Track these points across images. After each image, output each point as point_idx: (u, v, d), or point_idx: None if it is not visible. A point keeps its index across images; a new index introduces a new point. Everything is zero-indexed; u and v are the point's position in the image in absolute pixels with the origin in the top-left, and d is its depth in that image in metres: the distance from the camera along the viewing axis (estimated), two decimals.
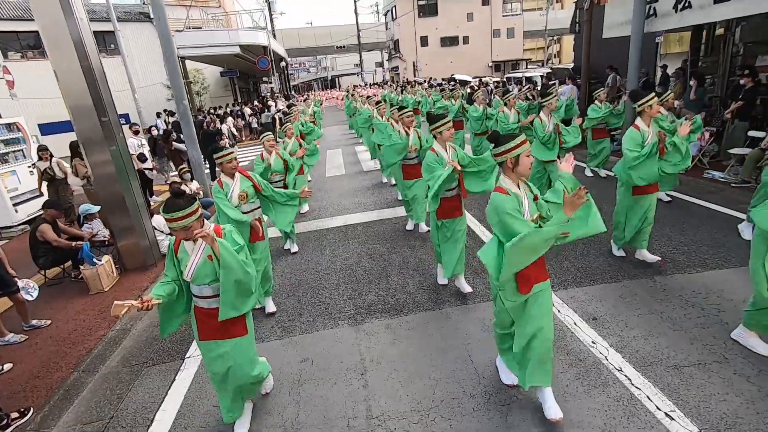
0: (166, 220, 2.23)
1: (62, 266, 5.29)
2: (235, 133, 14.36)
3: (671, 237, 4.62)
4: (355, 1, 38.75)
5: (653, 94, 3.84)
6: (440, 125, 3.58)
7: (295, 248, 5.34)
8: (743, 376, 2.64)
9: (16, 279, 4.00)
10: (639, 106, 3.83)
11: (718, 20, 7.12)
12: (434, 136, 3.68)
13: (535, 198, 2.39)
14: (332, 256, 5.11)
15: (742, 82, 7.04)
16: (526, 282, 2.32)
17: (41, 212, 5.05)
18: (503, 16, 39.36)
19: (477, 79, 23.03)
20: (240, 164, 3.87)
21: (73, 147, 6.32)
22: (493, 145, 2.39)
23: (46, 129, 18.77)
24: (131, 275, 5.25)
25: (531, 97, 9.45)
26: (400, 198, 6.52)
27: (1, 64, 11.41)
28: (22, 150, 8.07)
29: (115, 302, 2.14)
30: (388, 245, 5.24)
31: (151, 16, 22.69)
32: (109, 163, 4.92)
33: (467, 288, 3.86)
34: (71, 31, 4.68)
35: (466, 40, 39.17)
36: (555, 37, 44.42)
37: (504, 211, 2.21)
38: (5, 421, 2.85)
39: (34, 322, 4.13)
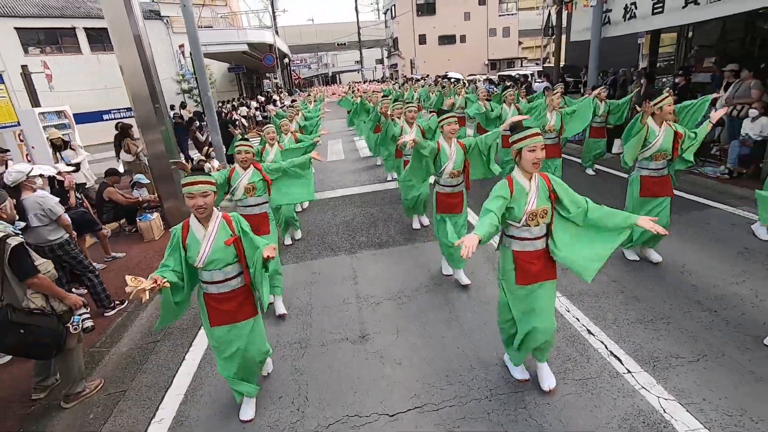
0: (185, 185, 2.27)
1: (119, 222, 6.67)
2: (245, 123, 15.69)
3: (592, 197, 6.00)
4: (356, 0, 40.09)
5: (665, 95, 3.72)
6: (442, 119, 3.72)
7: (298, 235, 5.65)
8: (632, 297, 4.02)
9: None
10: (653, 106, 3.76)
11: (655, 28, 8.43)
12: (441, 130, 3.77)
13: (551, 197, 2.39)
14: (333, 215, 6.49)
15: (677, 80, 8.42)
16: (525, 274, 2.44)
17: (105, 179, 6.42)
18: (499, 15, 40.66)
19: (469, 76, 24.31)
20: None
21: (124, 129, 7.68)
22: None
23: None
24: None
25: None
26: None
27: (40, 59, 12.70)
28: (68, 134, 9.40)
29: (132, 284, 2.01)
30: (378, 207, 6.62)
31: (161, 14, 23.97)
32: (160, 141, 6.28)
33: (466, 280, 3.99)
34: (132, 29, 5.95)
35: (463, 38, 40.49)
36: (553, 36, 45.69)
37: (492, 192, 2.40)
38: (112, 304, 4.23)
39: (113, 254, 5.51)
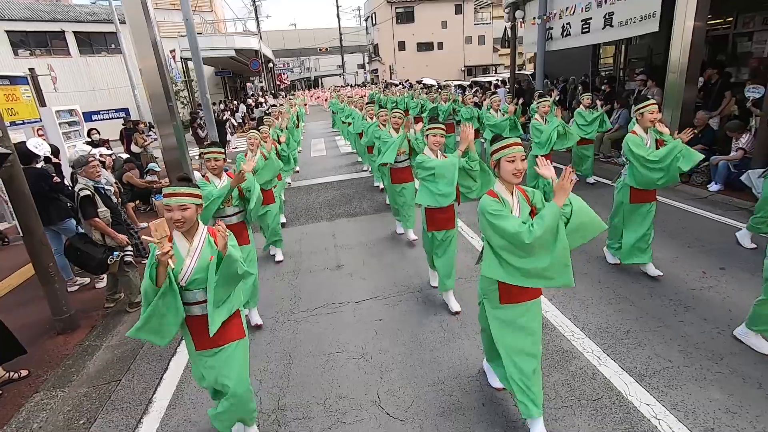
0: (165, 196, 2.11)
1: (134, 203, 7.91)
2: (234, 123, 16.92)
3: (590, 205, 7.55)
4: (337, 7, 41.60)
5: (650, 101, 3.70)
6: (427, 130, 3.57)
7: (279, 256, 5.20)
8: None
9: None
10: (636, 111, 3.83)
11: (583, 45, 10.08)
12: (426, 140, 3.64)
13: (532, 211, 2.26)
14: (317, 196, 7.89)
15: (603, 87, 10.13)
16: (508, 293, 2.25)
17: (124, 165, 7.67)
18: (475, 24, 42.70)
19: (443, 82, 25.98)
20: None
21: (134, 124, 8.92)
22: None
23: None
24: None
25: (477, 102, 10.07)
26: (387, 202, 6.49)
27: (43, 61, 13.70)
28: (78, 130, 10.54)
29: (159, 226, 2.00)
30: (354, 189, 8.05)
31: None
32: (172, 135, 7.55)
33: (456, 307, 3.69)
34: (150, 35, 7.20)
35: (440, 45, 42.35)
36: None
37: (485, 211, 2.14)
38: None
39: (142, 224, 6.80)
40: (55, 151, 5.79)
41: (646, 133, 3.80)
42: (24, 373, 3.38)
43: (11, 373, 3.33)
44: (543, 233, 1.98)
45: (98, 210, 4.16)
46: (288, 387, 2.97)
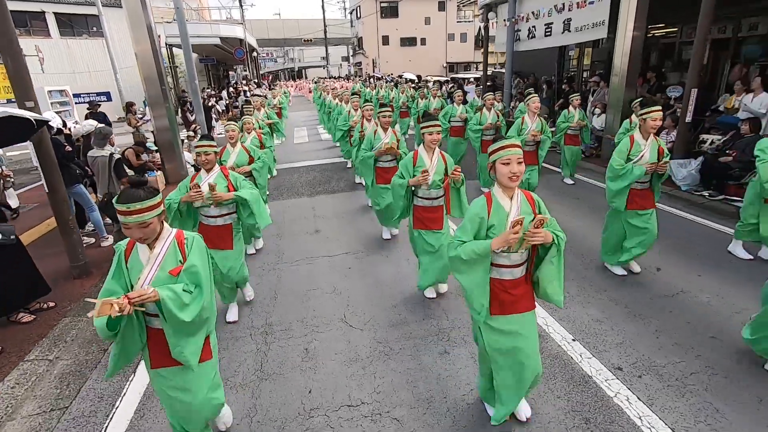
0: (120, 212, 1.81)
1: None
2: (220, 109, 17.38)
3: (571, 206, 8.45)
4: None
5: (655, 107, 3.44)
6: (423, 127, 3.36)
7: (260, 244, 5.17)
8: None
9: None
10: (639, 116, 3.59)
11: (545, 47, 11.03)
12: (422, 138, 3.43)
13: (541, 222, 2.01)
14: (298, 176, 8.63)
15: (564, 87, 11.13)
16: (500, 304, 2.20)
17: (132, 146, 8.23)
18: (457, 21, 43.66)
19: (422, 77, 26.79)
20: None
21: (128, 105, 9.44)
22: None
23: None
24: (171, 186, 8.51)
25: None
26: (370, 205, 6.03)
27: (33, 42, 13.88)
28: (68, 111, 10.96)
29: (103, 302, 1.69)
30: (332, 172, 8.82)
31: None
32: (165, 116, 8.16)
33: (444, 288, 3.84)
34: (146, 20, 7.75)
35: (423, 41, 43.19)
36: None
37: (468, 212, 2.17)
38: None
39: None
40: (65, 124, 6.38)
41: (646, 140, 3.58)
42: (51, 304, 4.06)
43: (41, 303, 4.01)
44: (465, 258, 2.08)
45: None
46: (273, 311, 3.77)
